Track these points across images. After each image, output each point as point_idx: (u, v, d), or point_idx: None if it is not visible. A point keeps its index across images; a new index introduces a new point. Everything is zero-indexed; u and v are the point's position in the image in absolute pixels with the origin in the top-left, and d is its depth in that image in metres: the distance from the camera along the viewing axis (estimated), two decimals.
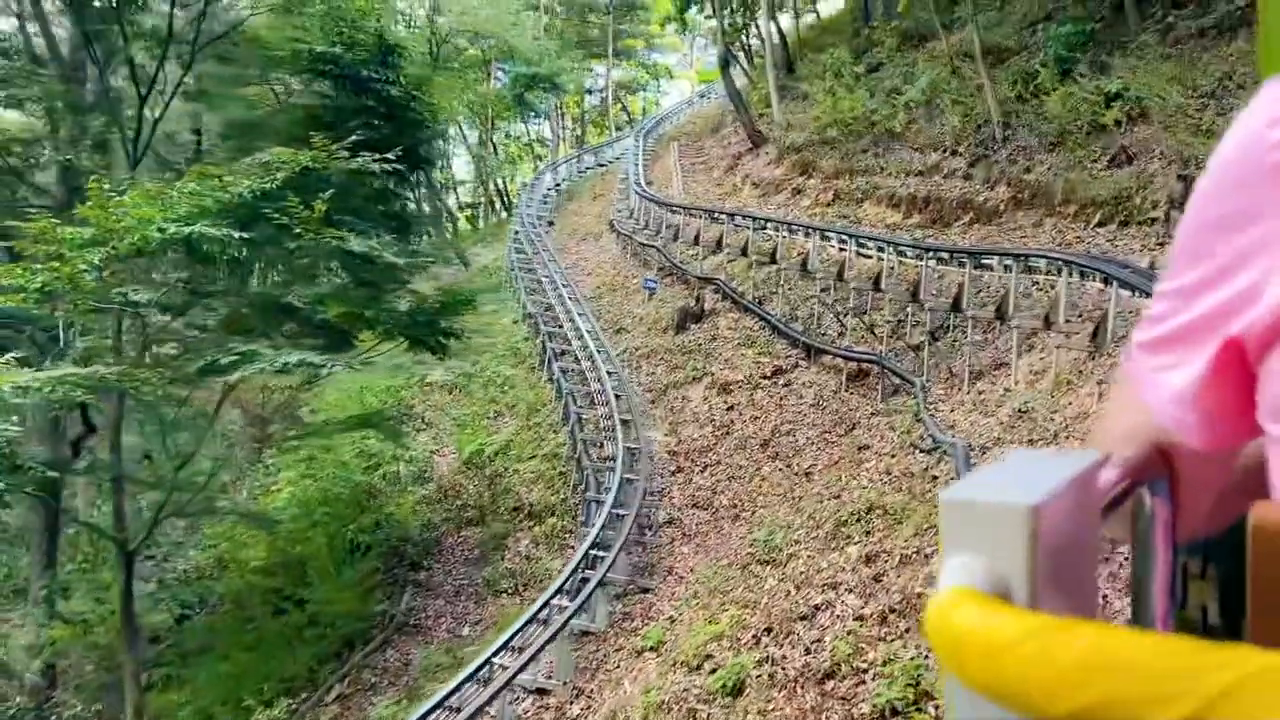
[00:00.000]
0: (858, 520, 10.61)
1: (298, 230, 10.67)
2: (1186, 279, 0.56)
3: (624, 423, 18.23)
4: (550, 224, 36.94)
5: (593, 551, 13.53)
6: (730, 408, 18.03)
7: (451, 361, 26.85)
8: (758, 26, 33.46)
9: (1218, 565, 0.67)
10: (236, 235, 10.25)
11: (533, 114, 52.38)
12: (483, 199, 53.90)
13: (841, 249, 19.30)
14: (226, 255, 11.71)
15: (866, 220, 21.65)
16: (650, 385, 20.07)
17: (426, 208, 38.06)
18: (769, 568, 10.96)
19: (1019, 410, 11.98)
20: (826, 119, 26.44)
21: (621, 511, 14.56)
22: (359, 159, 11.19)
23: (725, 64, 30.33)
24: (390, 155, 11.19)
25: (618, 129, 55.70)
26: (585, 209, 37.09)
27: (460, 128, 51.69)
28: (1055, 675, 0.38)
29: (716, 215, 24.66)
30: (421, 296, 15.66)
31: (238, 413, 28.61)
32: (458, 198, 56.03)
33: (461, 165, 54.83)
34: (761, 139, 29.93)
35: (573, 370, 21.11)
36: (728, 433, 17.43)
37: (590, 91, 61.79)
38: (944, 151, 21.03)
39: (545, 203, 39.06)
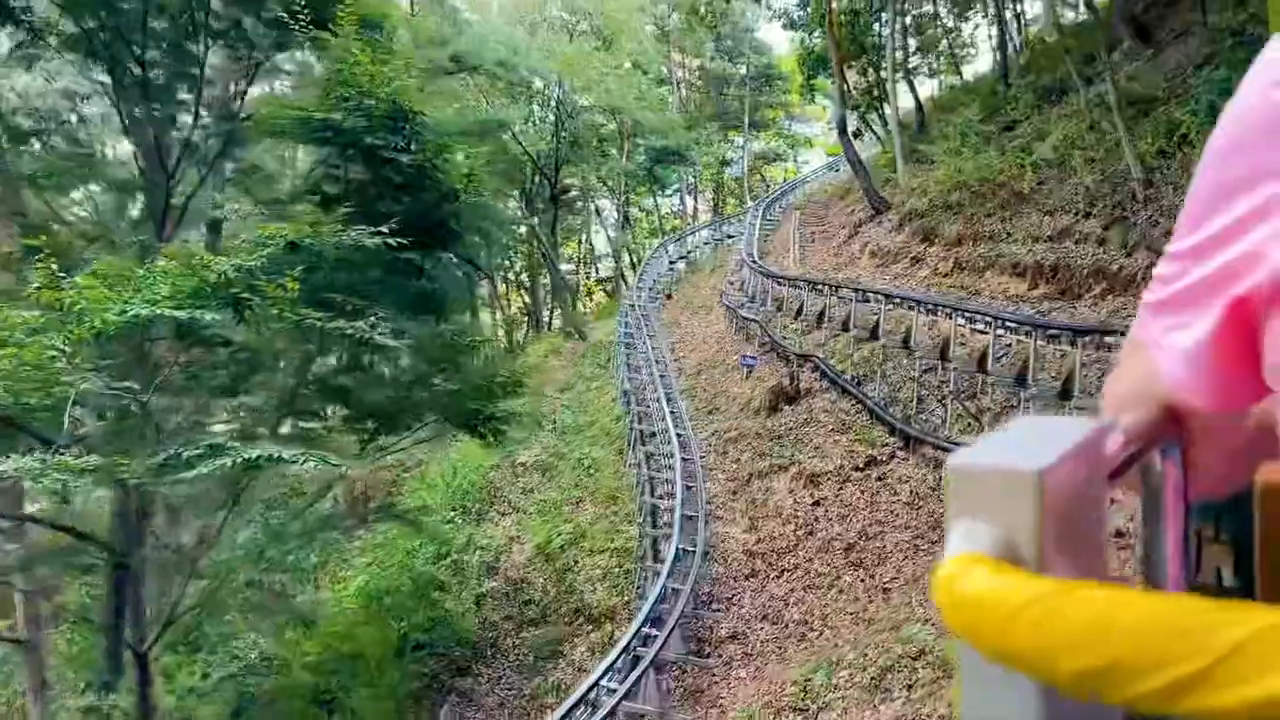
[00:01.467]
0: (904, 668, 8.49)
1: (275, 311, 9.74)
2: (1195, 239, 0.55)
3: (701, 516, 16.57)
4: (668, 297, 35.78)
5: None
6: (817, 502, 15.97)
7: (546, 439, 25.96)
8: (883, 89, 31.64)
9: (1231, 528, 0.65)
10: (209, 316, 9.39)
11: (663, 187, 51.81)
12: (616, 272, 53.45)
13: (949, 324, 17.05)
14: (216, 337, 10.89)
15: (988, 291, 19.29)
16: (734, 474, 18.21)
17: (484, 285, 37.34)
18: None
19: None
20: (950, 182, 24.29)
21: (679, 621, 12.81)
22: (352, 234, 10.19)
23: (844, 128, 28.59)
24: (387, 229, 10.13)
25: (754, 200, 54.64)
26: (703, 282, 35.76)
27: (592, 202, 51.79)
28: (1065, 637, 0.38)
29: (819, 287, 22.76)
30: (469, 381, 14.45)
31: (340, 490, 28.31)
32: (597, 271, 56.03)
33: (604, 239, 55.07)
34: (884, 205, 27.89)
35: (658, 455, 19.53)
36: (811, 532, 15.37)
37: (729, 163, 61.01)
38: (1076, 214, 18.55)
39: (665, 275, 37.97)
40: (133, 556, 14.49)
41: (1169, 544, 0.60)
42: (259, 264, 9.73)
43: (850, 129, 30.35)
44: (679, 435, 20.27)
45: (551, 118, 40.75)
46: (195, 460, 9.47)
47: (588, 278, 55.91)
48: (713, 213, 57.60)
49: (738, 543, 16.10)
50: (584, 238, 54.71)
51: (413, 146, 11.18)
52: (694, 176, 58.98)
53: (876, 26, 32.64)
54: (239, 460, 9.54)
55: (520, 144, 39.50)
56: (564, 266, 60.55)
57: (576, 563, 17.94)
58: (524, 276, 48.94)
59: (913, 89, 34.98)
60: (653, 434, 20.61)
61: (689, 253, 41.77)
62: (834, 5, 29.29)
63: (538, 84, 38.74)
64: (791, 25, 38.74)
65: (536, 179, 41.75)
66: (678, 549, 15.27)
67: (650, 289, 36.15)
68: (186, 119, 13.89)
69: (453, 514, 22.34)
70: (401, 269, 12.28)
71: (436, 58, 31.88)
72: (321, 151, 11.97)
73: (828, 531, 15.11)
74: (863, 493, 15.55)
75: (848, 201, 33.51)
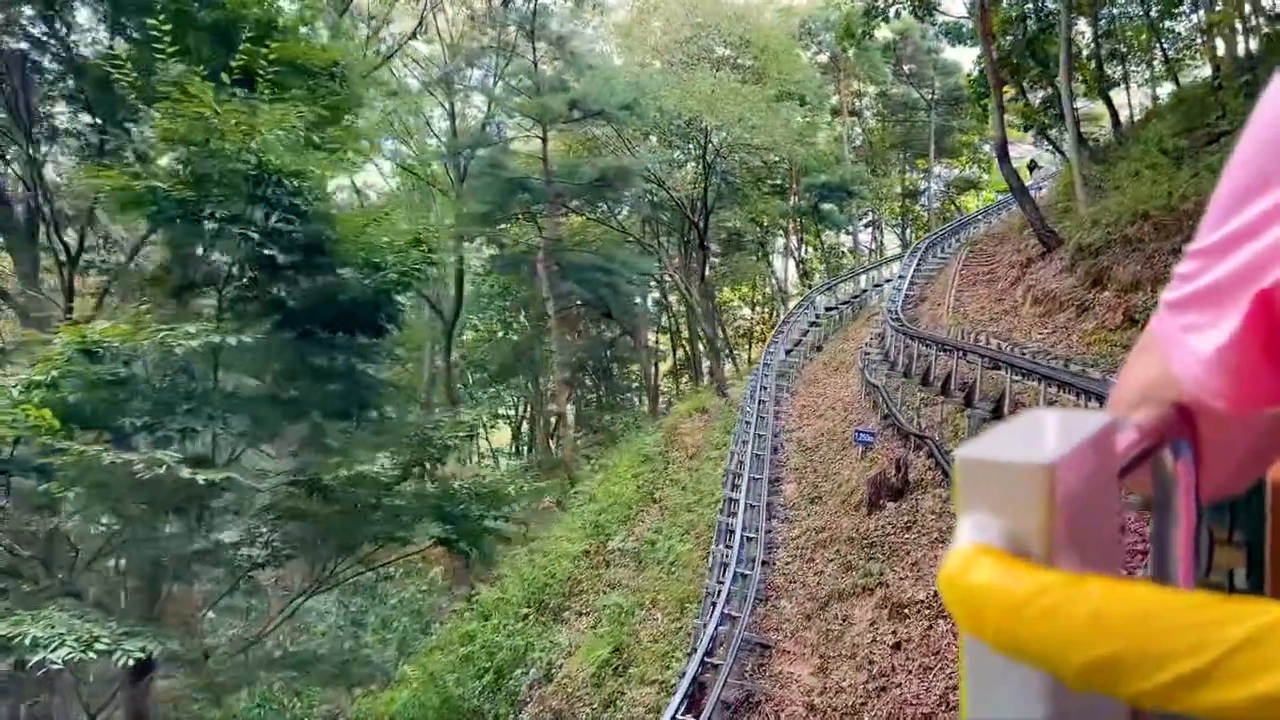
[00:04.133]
0: None
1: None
2: (1217, 236, 0.55)
3: (764, 646, 13.31)
4: (818, 349, 32.11)
5: None
6: (898, 645, 12.25)
7: (653, 518, 23.09)
8: (1058, 102, 26.87)
9: (1244, 529, 0.64)
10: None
11: (832, 225, 47.97)
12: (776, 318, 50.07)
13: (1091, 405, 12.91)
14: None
15: None
16: (814, 591, 14.66)
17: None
18: None
19: None
20: (1127, 211, 19.72)
21: None
22: (190, 330, 7.97)
23: (1003, 152, 24.18)
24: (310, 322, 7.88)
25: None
26: (858, 332, 31.83)
27: (771, 241, 48.76)
28: (1071, 629, 0.38)
29: (947, 346, 18.77)
30: (447, 487, 11.89)
31: (441, 570, 26.57)
32: (750, 320, 52.91)
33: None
34: (1054, 241, 23.30)
35: (741, 557, 16.27)
36: (884, 688, 11.69)
37: (917, 194, 56.31)
38: None
39: (817, 324, 34.19)
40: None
41: (1179, 543, 0.57)
42: (52, 380, 7.65)
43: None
44: (768, 532, 17.00)
45: (696, 159, 38.19)
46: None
47: (763, 323, 52.77)
48: (902, 248, 53.10)
49: (799, 689, 12.61)
50: (770, 281, 51.73)
51: (295, 218, 8.90)
52: (874, 210, 54.74)
53: (1053, 33, 27.94)
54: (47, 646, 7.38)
55: (666, 189, 37.27)
56: (745, 312, 57.78)
57: (622, 694, 14.96)
58: (684, 326, 46.46)
59: (1108, 102, 29.84)
60: (734, 530, 17.34)
61: (859, 294, 37.69)
62: (989, 11, 25.06)
63: (681, 124, 36.25)
64: (959, 40, 34.40)
65: (687, 226, 39.31)
66: (717, 699, 12.12)
67: (800, 339, 32.58)
68: None
69: (527, 611, 19.87)
70: (327, 366, 10.03)
71: (554, 106, 30.25)
72: (181, 229, 9.94)
73: (904, 690, 11.40)
74: (955, 636, 11.68)
75: (1025, 236, 28.80)
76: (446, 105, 33.57)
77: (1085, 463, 0.46)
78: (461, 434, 13.08)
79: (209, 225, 8.42)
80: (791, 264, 52.57)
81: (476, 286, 41.96)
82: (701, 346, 43.83)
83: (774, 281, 51.27)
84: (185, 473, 7.37)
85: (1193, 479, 0.59)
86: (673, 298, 42.15)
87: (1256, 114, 0.52)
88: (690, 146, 38.75)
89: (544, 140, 32.22)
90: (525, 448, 47.89)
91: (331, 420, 10.56)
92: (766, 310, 54.67)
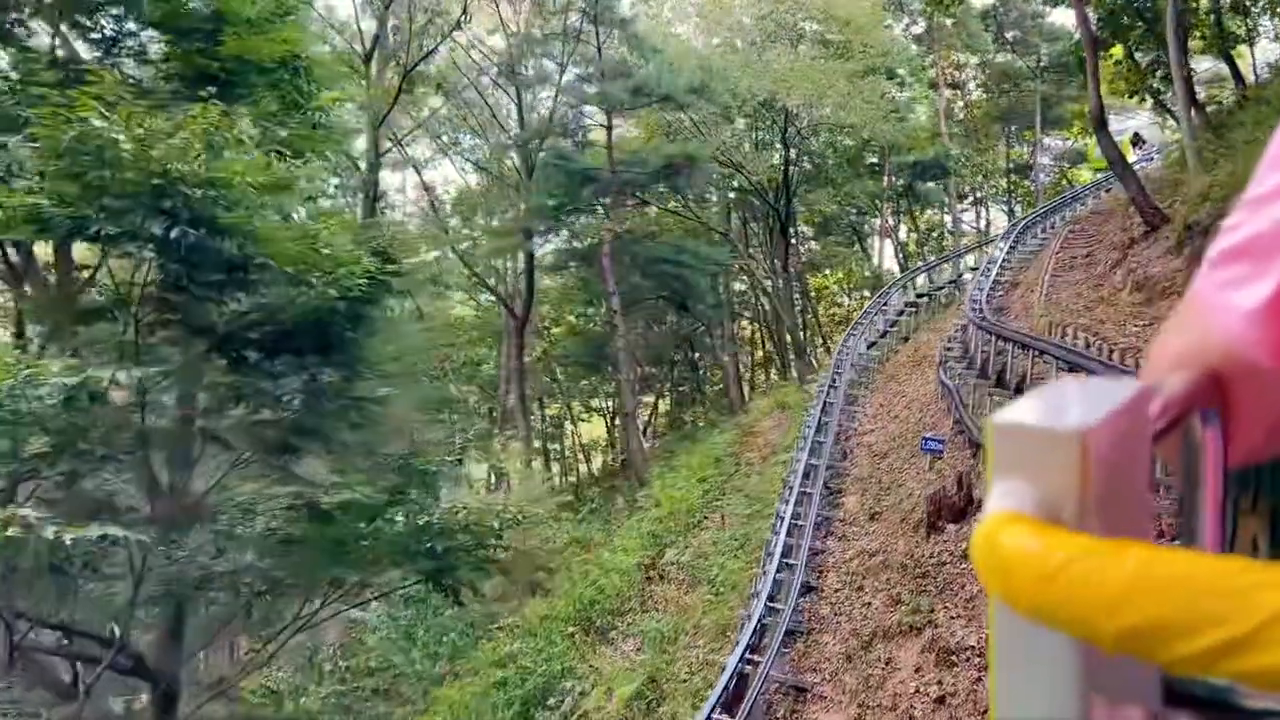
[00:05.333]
0: None
1: None
2: (1265, 186, 0.55)
3: (800, 690, 11.89)
4: (905, 339, 29.97)
5: None
6: (942, 699, 10.63)
7: (712, 529, 21.71)
8: (1165, 61, 24.08)
9: (1269, 498, 0.65)
10: None
11: (925, 205, 45.31)
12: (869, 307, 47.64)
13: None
14: None
15: None
16: (858, 626, 13.07)
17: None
18: None
19: None
20: (1243, 183, 17.19)
21: None
22: (60, 371, 7.04)
23: (1100, 120, 21.69)
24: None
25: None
26: (950, 321, 29.55)
27: (851, 224, 46.53)
28: (1105, 595, 0.37)
29: (1021, 344, 16.78)
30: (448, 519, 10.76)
31: (495, 582, 25.79)
32: (848, 308, 50.53)
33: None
34: (1159, 219, 20.82)
35: (784, 581, 14.80)
36: None
37: (1026, 169, 52.84)
38: None
39: (906, 314, 31.94)
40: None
41: (1206, 512, 0.57)
42: None
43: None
44: (820, 553, 15.51)
45: (775, 141, 36.37)
46: None
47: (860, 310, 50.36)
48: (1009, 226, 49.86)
49: None
50: (867, 265, 49.34)
51: (213, 233, 7.89)
52: (978, 187, 51.60)
53: None
54: None
55: (743, 173, 35.63)
56: (846, 301, 55.39)
57: None
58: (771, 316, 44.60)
59: (1229, 62, 26.71)
60: (793, 549, 15.85)
61: (957, 278, 35.13)
62: None
63: (757, 106, 34.46)
64: (1060, 1, 31.52)
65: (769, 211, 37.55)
66: None
67: (886, 330, 30.47)
68: None
69: (572, 630, 18.81)
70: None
71: (616, 93, 29.00)
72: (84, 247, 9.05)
73: None
74: None
75: (1128, 213, 26.07)
76: (513, 97, 32.69)
77: (1118, 429, 0.45)
78: (449, 458, 11.98)
79: (102, 242, 7.54)
80: (890, 247, 50.04)
81: (565, 279, 41.17)
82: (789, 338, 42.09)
83: (871, 266, 48.87)
84: (49, 532, 6.47)
85: (1221, 448, 0.58)
86: (757, 287, 40.37)
87: None
88: (768, 128, 36.96)
89: (609, 129, 30.97)
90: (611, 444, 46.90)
91: (302, 440, 9.65)
92: (865, 296, 52.27)
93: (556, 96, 32.07)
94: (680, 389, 48.08)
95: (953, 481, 14.27)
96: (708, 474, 25.72)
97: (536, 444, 46.95)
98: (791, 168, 37.23)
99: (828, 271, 51.49)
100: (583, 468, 47.15)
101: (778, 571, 14.68)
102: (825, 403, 21.91)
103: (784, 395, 31.51)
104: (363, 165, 24.28)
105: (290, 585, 9.98)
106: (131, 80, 10.64)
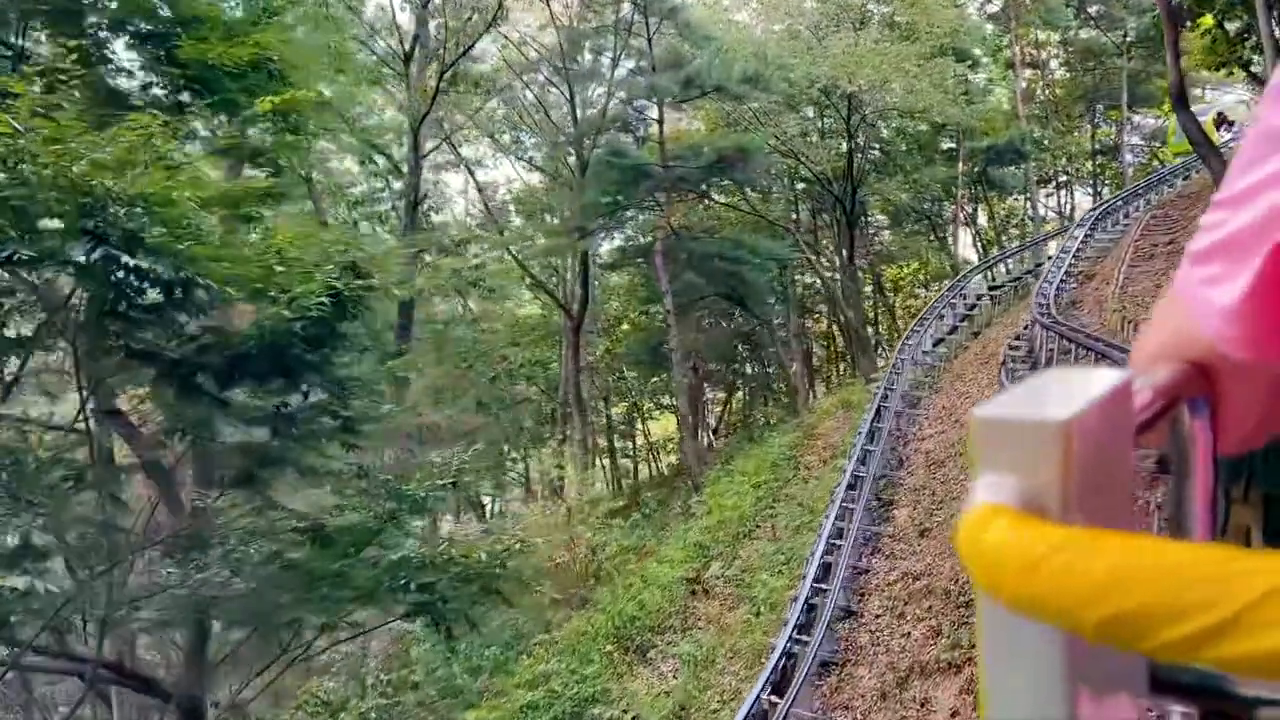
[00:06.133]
0: None
1: None
2: (1239, 185, 0.55)
3: None
4: (975, 334, 28.40)
5: None
6: None
7: (763, 540, 20.74)
8: (1256, 29, 22.11)
9: (1260, 488, 0.65)
10: None
11: (1001, 191, 43.22)
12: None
13: None
14: None
15: None
16: (896, 659, 12.02)
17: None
18: None
19: None
20: None
21: None
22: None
23: (1180, 96, 19.98)
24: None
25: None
26: (1020, 317, 27.88)
27: (924, 213, 44.69)
28: (1088, 585, 0.37)
29: (1082, 345, 15.37)
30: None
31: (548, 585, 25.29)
32: (924, 300, 48.57)
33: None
34: None
35: (820, 605, 13.80)
36: None
37: (1111, 149, 50.10)
38: None
39: (978, 307, 30.28)
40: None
41: (1196, 502, 0.58)
42: None
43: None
44: (865, 572, 14.48)
45: (839, 130, 34.98)
46: None
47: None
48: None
49: None
50: (943, 256, 47.39)
51: (149, 254, 7.33)
52: (1061, 170, 49.10)
53: None
54: None
55: (804, 163, 34.40)
56: (924, 292, 53.37)
57: None
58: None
59: None
60: (831, 568, 14.82)
61: (1034, 268, 33.22)
62: None
63: (817, 93, 33.11)
64: None
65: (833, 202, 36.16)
66: None
67: (955, 325, 28.90)
68: None
69: (610, 648, 18.06)
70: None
71: (666, 85, 28.12)
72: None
73: None
74: None
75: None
76: (566, 93, 32.04)
77: (1101, 420, 0.45)
78: (441, 483, 11.29)
79: (18, 266, 7.04)
80: (966, 236, 48.01)
81: (630, 276, 40.46)
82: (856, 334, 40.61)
83: (948, 256, 46.94)
84: None
85: (1210, 437, 0.58)
86: (822, 282, 38.98)
87: None
88: (832, 116, 35.58)
89: (660, 122, 30.07)
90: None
91: (270, 470, 9.11)
92: (943, 287, 50.23)
93: (610, 91, 31.29)
94: (752, 385, 47.00)
95: None
96: (763, 479, 24.71)
97: (602, 442, 46.60)
98: (856, 156, 35.77)
99: (903, 263, 49.64)
100: (648, 467, 46.51)
101: (814, 595, 13.71)
102: (879, 407, 20.66)
103: (849, 394, 30.25)
104: (404, 169, 23.90)
105: (259, 626, 9.43)
106: (103, 91, 10.19)
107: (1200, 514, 0.58)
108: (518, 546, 11.33)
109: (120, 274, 7.37)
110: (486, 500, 37.85)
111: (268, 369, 8.47)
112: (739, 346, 42.06)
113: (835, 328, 43.46)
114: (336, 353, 9.52)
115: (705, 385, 46.31)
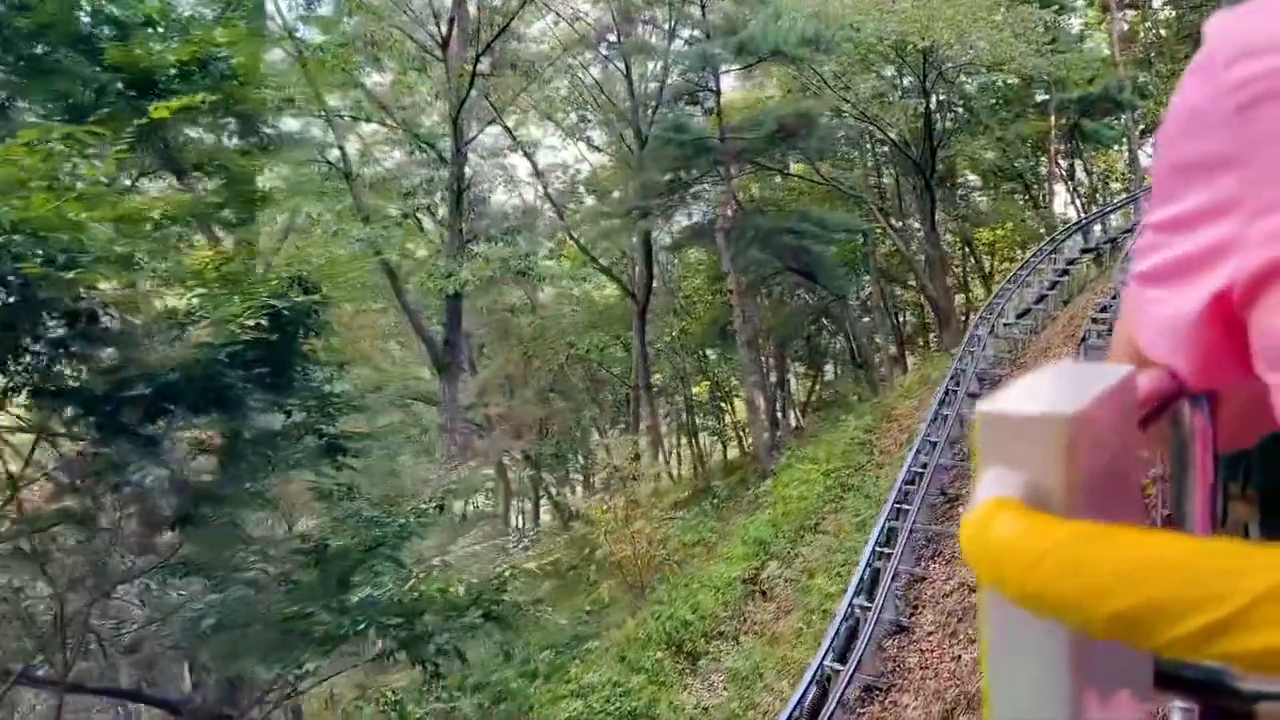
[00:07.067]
0: None
1: None
2: (1164, 215, 0.55)
3: None
4: (1065, 302, 26.30)
5: None
6: None
7: (826, 535, 19.49)
8: None
9: (1258, 483, 0.65)
10: None
11: (1099, 145, 40.24)
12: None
13: None
14: None
15: None
16: (942, 689, 10.73)
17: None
18: None
19: None
20: None
21: None
22: None
23: None
24: None
25: None
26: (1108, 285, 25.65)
27: (1014, 173, 42.06)
28: (1095, 580, 0.37)
29: None
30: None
31: (610, 584, 24.62)
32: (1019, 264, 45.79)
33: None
34: None
35: (864, 621, 12.57)
36: None
37: None
38: None
39: (1070, 272, 28.04)
40: None
41: (1196, 497, 0.58)
42: None
43: None
44: (921, 580, 13.20)
45: (913, 89, 32.91)
46: None
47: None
48: None
49: None
50: (1037, 216, 44.62)
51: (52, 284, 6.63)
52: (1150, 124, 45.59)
53: None
54: None
55: (877, 126, 32.53)
56: (1021, 255, 50.46)
57: None
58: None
59: None
60: (880, 575, 13.55)
61: (1134, 225, 30.78)
62: None
63: (888, 51, 31.14)
64: None
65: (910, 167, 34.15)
66: None
67: (1043, 293, 26.82)
68: None
69: (660, 655, 17.14)
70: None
71: (719, 52, 26.74)
72: None
73: None
74: None
75: None
76: (620, 68, 30.90)
77: (1105, 415, 0.45)
78: (425, 507, 10.45)
79: None
80: (1063, 194, 45.06)
81: (707, 254, 39.28)
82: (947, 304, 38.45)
83: (1042, 216, 44.19)
84: None
85: (1210, 432, 0.58)
86: (902, 251, 36.97)
87: (1183, 91, 0.52)
88: (908, 75, 33.50)
89: (716, 92, 28.63)
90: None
91: (218, 509, 8.43)
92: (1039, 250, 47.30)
93: (666, 65, 30.00)
94: (841, 361, 45.38)
95: None
96: (833, 467, 23.32)
97: (683, 423, 45.58)
98: (935, 116, 33.68)
99: (995, 226, 46.98)
100: (737, 446, 45.34)
101: (861, 607, 12.48)
102: (948, 390, 19.10)
103: (932, 368, 28.52)
104: (448, 157, 23.24)
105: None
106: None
107: (1200, 509, 0.56)
108: (508, 574, 10.44)
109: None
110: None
111: (201, 399, 7.73)
112: (821, 321, 40.41)
113: (921, 300, 41.39)
114: (298, 372, 8.76)
115: (788, 362, 44.87)
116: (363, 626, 8.39)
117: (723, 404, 46.20)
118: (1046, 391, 0.46)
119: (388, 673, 20.07)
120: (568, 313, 37.93)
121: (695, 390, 45.79)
